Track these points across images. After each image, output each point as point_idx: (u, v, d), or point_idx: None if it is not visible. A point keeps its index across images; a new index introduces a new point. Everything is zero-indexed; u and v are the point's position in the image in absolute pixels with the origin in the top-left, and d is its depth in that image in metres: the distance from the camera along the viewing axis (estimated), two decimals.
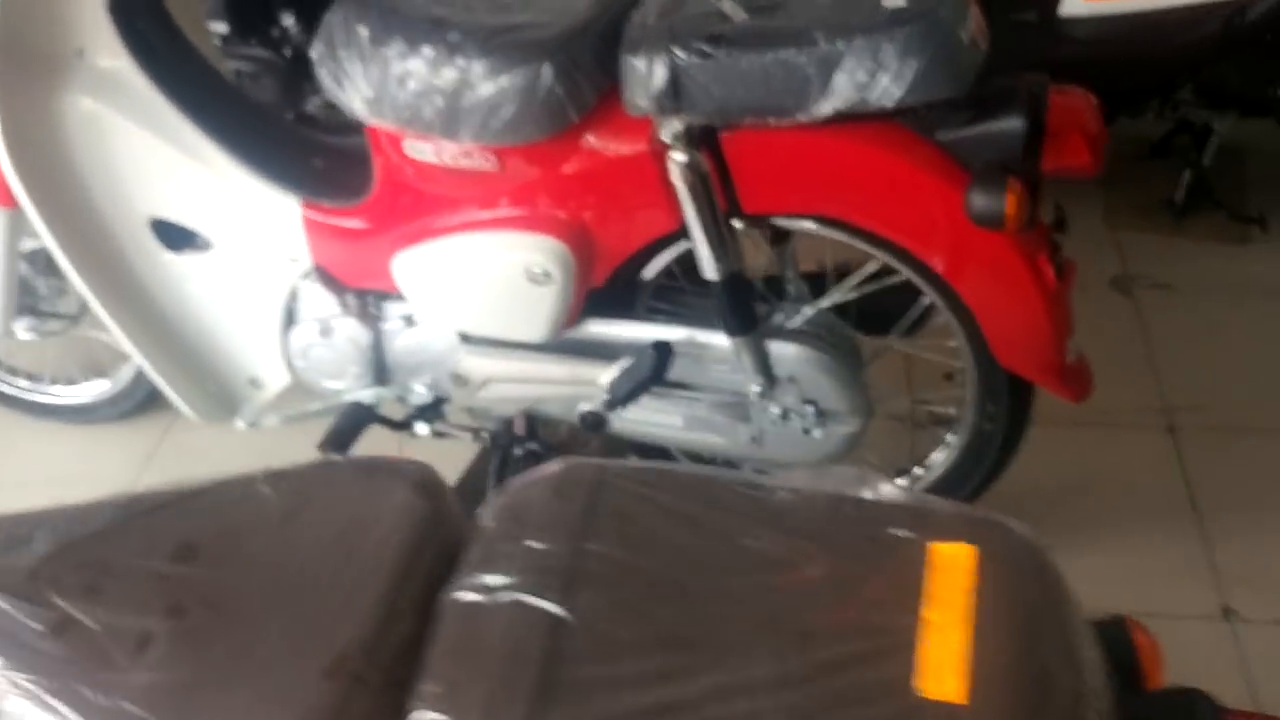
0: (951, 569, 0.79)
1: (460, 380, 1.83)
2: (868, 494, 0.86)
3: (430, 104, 1.55)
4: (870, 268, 1.71)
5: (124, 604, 0.80)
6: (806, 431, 1.74)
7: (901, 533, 0.82)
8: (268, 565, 0.82)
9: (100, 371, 2.35)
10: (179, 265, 1.89)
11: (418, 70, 1.55)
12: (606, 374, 1.73)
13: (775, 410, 1.73)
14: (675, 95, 1.46)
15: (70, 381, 2.37)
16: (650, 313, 1.78)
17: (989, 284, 1.58)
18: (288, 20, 2.40)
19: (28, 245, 2.05)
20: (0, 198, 1.95)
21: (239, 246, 1.85)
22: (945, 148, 1.51)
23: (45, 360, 2.36)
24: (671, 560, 0.79)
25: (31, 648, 0.79)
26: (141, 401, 2.33)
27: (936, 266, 1.58)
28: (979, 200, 1.45)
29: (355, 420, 1.83)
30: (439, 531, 0.84)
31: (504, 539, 0.80)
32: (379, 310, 1.86)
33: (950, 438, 1.82)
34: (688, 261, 1.71)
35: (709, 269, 1.61)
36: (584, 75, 1.51)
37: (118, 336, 1.89)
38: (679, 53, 1.44)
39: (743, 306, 1.65)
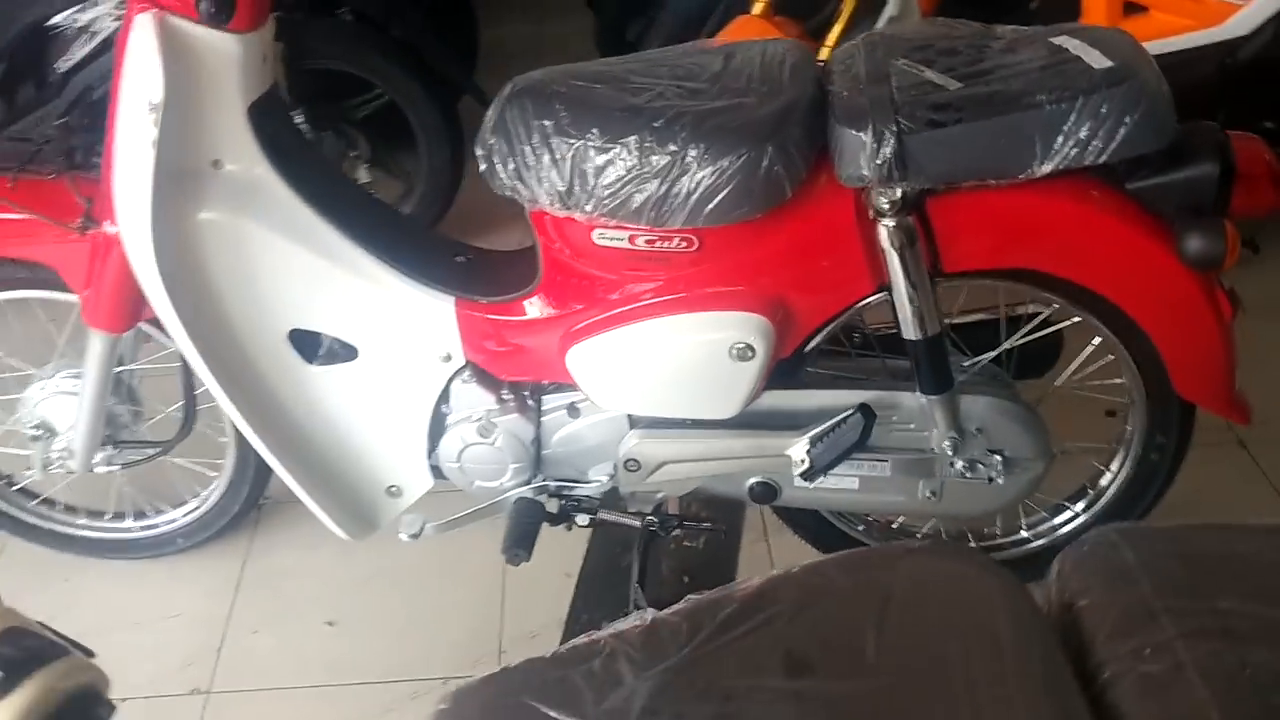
0: None
1: (633, 465, 1.80)
2: None
3: (641, 192, 1.54)
4: (1031, 313, 1.79)
5: None
6: (991, 480, 1.78)
7: None
8: (891, 666, 0.80)
9: (173, 500, 2.21)
10: (321, 377, 1.80)
11: (625, 159, 1.54)
12: (794, 444, 1.74)
13: (961, 464, 1.77)
14: (902, 164, 1.49)
15: (140, 514, 2.22)
16: (815, 379, 1.80)
17: (1177, 321, 1.66)
18: None
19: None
20: (106, 322, 1.84)
21: (387, 351, 1.78)
22: (1135, 196, 1.60)
23: (105, 494, 2.21)
24: None
25: None
26: (220, 529, 2.20)
27: (1128, 308, 1.66)
28: (1197, 243, 1.53)
29: (531, 518, 1.79)
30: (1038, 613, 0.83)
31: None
32: (538, 402, 1.82)
33: (1113, 468, 1.90)
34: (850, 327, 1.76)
35: (910, 329, 1.65)
36: (799, 152, 1.54)
37: (262, 453, 1.79)
38: (906, 123, 1.48)
39: (941, 364, 1.68)
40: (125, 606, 2.15)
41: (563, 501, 1.86)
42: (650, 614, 0.90)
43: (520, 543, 1.75)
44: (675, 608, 0.90)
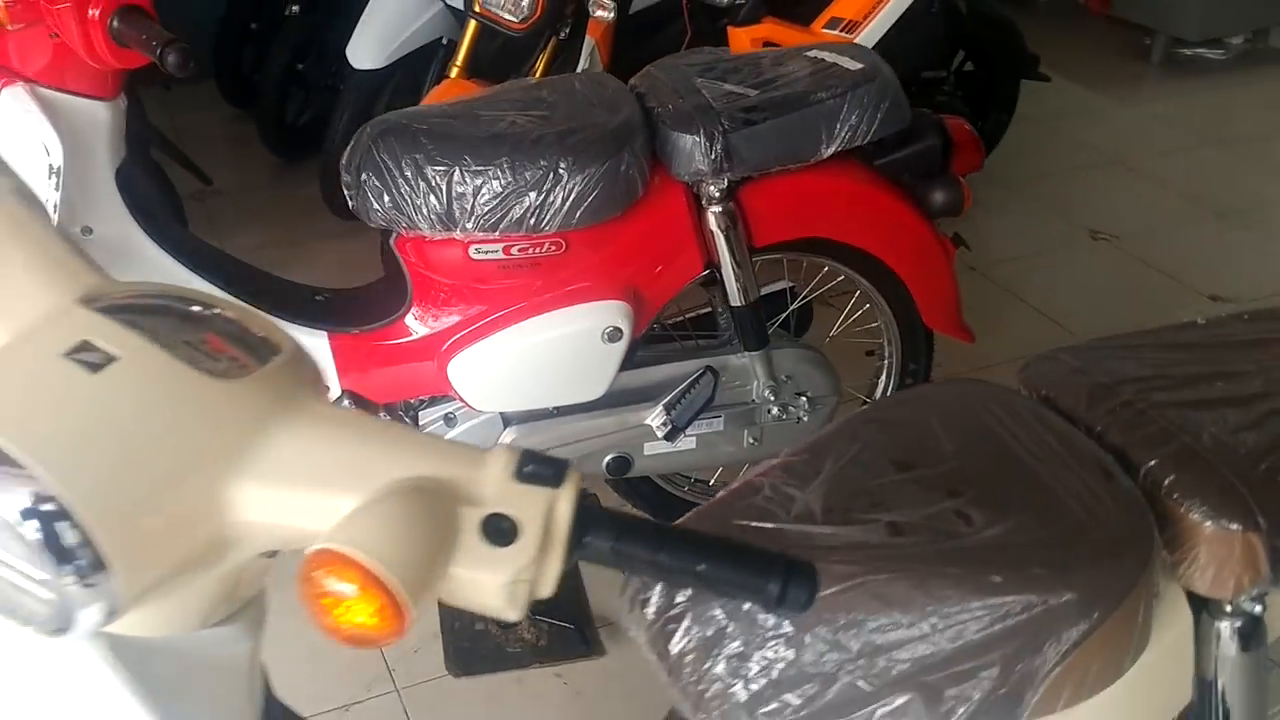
0: None
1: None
2: None
3: (519, 205, 1.78)
4: (777, 286, 2.20)
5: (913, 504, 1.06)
6: (799, 420, 2.16)
7: None
8: (967, 451, 1.11)
9: None
10: None
11: (500, 178, 1.77)
12: (652, 413, 2.02)
13: (777, 409, 2.13)
14: (728, 157, 1.84)
15: None
16: (655, 357, 2.10)
17: (921, 265, 2.12)
18: None
19: None
20: None
21: None
22: (881, 170, 2.04)
23: None
24: None
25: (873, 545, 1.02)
26: None
27: (888, 260, 2.10)
28: (942, 196, 2.00)
29: None
30: None
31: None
32: (415, 418, 1.97)
33: (876, 396, 2.34)
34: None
35: (736, 297, 1.99)
36: (644, 157, 1.84)
37: None
38: (728, 124, 1.83)
39: (760, 325, 2.04)
40: None
41: None
42: (774, 460, 1.15)
43: None
44: (787, 458, 1.16)
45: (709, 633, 1.01)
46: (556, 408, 2.00)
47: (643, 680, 1.11)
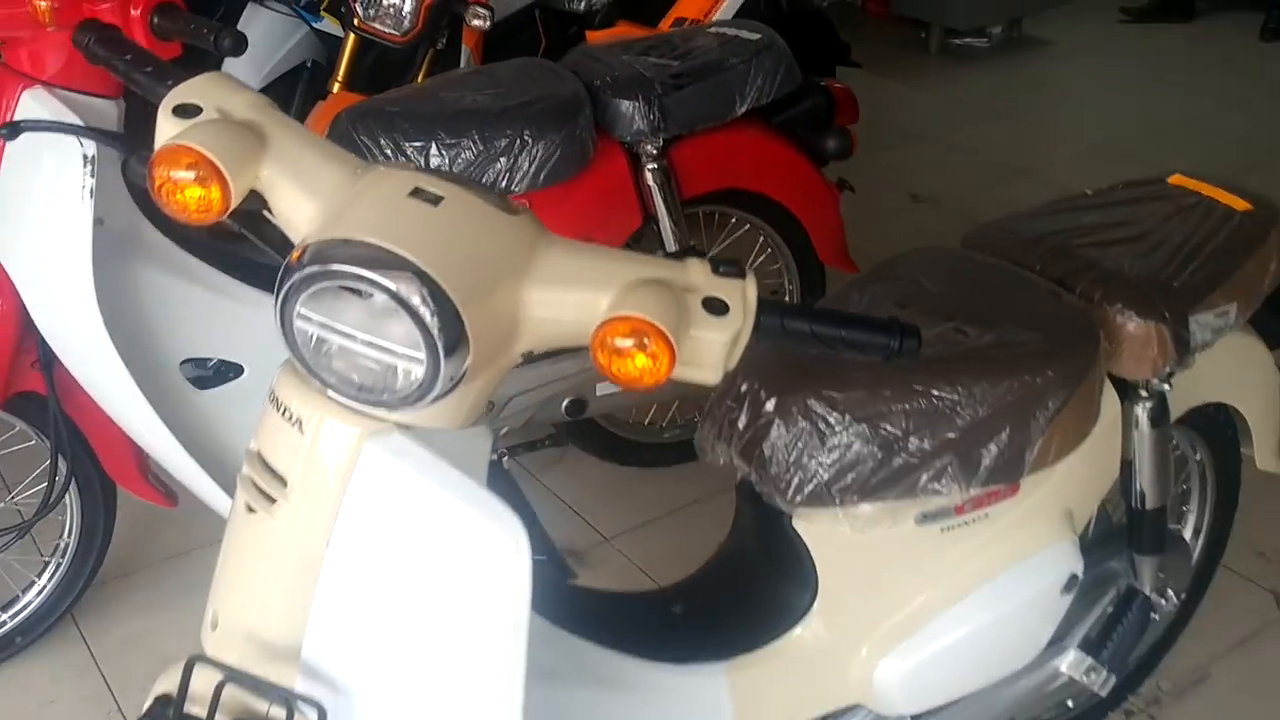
0: None
1: (489, 405, 2.23)
2: None
3: (491, 169, 2.03)
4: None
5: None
6: None
7: None
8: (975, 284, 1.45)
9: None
10: (212, 399, 2.01)
11: (472, 147, 2.02)
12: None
13: None
14: (664, 118, 2.14)
15: None
16: None
17: (815, 207, 2.47)
18: None
19: None
20: None
21: (270, 363, 2.04)
22: (778, 127, 2.39)
23: None
24: None
25: None
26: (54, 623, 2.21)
27: (789, 204, 2.43)
28: (835, 143, 2.36)
29: None
30: None
31: None
32: None
33: None
34: None
35: (671, 244, 2.29)
36: (592, 124, 2.12)
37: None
38: (660, 89, 2.14)
39: None
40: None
41: None
42: None
43: None
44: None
45: (790, 435, 1.30)
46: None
47: None
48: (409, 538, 0.97)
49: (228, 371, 2.04)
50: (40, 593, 2.19)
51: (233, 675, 0.98)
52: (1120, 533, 1.71)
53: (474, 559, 0.96)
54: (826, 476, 1.29)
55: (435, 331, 0.89)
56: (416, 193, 0.94)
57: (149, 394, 1.93)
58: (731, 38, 2.30)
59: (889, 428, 1.29)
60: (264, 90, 3.45)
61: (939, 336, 1.37)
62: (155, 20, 1.67)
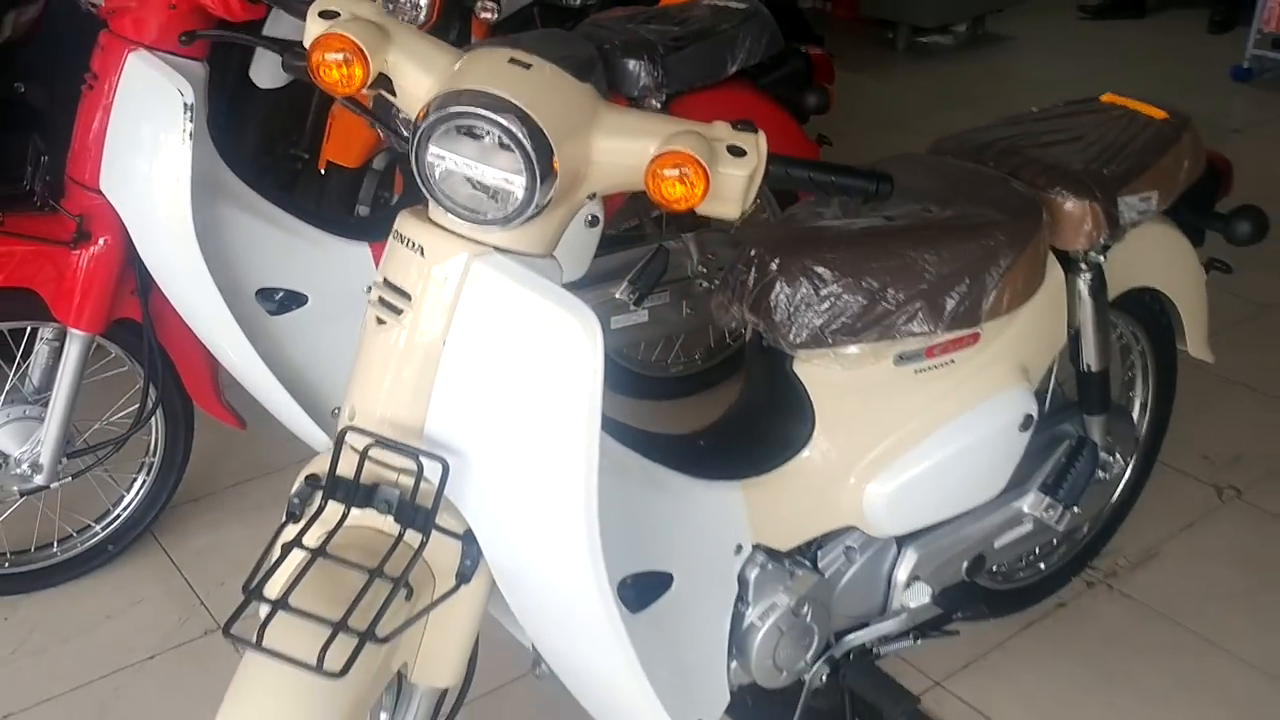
0: None
1: None
2: None
3: None
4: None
5: None
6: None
7: None
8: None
9: (92, 514, 2.46)
10: (281, 324, 2.31)
11: None
12: (620, 286, 2.59)
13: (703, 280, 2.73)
14: (667, 75, 2.46)
15: (64, 538, 2.44)
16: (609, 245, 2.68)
17: (796, 155, 2.78)
18: None
19: None
20: (89, 324, 2.18)
21: (333, 299, 2.34)
22: (764, 88, 2.71)
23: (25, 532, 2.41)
24: None
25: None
26: (139, 535, 2.50)
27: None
28: (814, 100, 2.68)
29: None
30: None
31: None
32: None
33: None
34: None
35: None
36: (606, 78, 2.44)
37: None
38: (663, 50, 2.46)
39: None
40: (84, 611, 2.37)
41: None
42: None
43: None
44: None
45: (790, 290, 1.61)
46: None
47: None
48: (509, 333, 1.27)
49: (292, 302, 2.33)
50: (128, 506, 2.47)
51: (379, 440, 1.27)
52: (1074, 406, 2.03)
53: (558, 345, 1.26)
54: (820, 322, 1.60)
55: (534, 159, 1.19)
56: (513, 61, 1.25)
57: (235, 314, 2.23)
58: (722, 8, 2.62)
59: (871, 281, 1.60)
60: (291, 83, 3.79)
61: (909, 214, 1.69)
62: None
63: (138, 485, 2.47)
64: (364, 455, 1.27)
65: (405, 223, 1.31)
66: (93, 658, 2.25)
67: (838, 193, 1.38)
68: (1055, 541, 2.29)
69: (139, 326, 2.24)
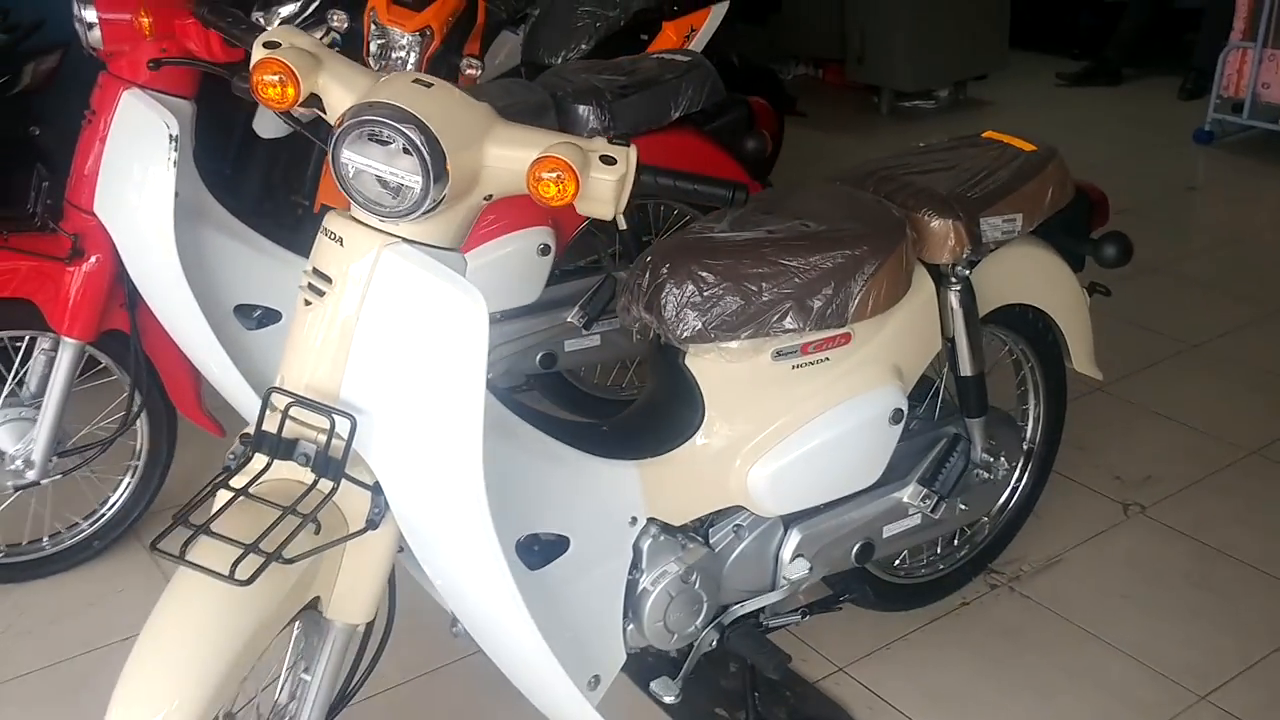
0: None
1: None
2: None
3: None
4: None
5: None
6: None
7: None
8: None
9: (81, 511, 2.70)
10: (256, 339, 2.55)
11: None
12: (571, 311, 2.82)
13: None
14: (612, 120, 2.72)
15: (54, 533, 2.67)
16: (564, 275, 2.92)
17: None
18: None
19: None
20: (81, 332, 2.44)
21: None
22: (708, 134, 2.97)
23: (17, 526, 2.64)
24: None
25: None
26: (124, 532, 2.73)
27: None
28: (752, 144, 2.94)
29: None
30: None
31: None
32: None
33: None
34: None
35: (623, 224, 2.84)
36: (555, 126, 2.70)
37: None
38: (610, 97, 2.72)
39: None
40: (70, 597, 2.60)
41: None
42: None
43: None
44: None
45: (679, 291, 1.83)
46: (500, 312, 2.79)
47: None
48: (411, 309, 1.50)
49: (269, 319, 2.57)
50: (114, 505, 2.71)
51: (299, 399, 1.50)
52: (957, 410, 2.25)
53: (450, 320, 1.49)
54: (703, 319, 1.82)
55: (429, 161, 1.43)
56: (417, 81, 1.50)
57: (214, 328, 2.48)
58: (669, 60, 2.89)
59: (748, 284, 1.83)
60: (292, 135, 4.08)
61: (789, 228, 1.92)
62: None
63: (123, 486, 2.71)
64: (285, 413, 1.50)
65: (331, 219, 1.55)
66: (76, 637, 2.48)
67: (700, 199, 1.61)
68: (955, 541, 2.49)
69: (127, 338, 2.50)
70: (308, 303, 1.55)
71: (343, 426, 1.49)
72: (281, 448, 1.51)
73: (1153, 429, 3.15)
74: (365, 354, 1.52)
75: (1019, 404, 2.49)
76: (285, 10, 3.88)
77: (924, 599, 2.46)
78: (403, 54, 3.69)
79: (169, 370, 2.57)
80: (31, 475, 2.50)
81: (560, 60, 4.03)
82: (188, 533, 1.42)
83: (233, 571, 1.36)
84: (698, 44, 4.00)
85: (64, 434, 2.56)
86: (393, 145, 1.45)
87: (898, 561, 2.41)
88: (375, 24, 3.61)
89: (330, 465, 1.50)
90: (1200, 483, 2.91)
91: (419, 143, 1.43)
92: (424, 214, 1.48)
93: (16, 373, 2.54)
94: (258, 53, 1.57)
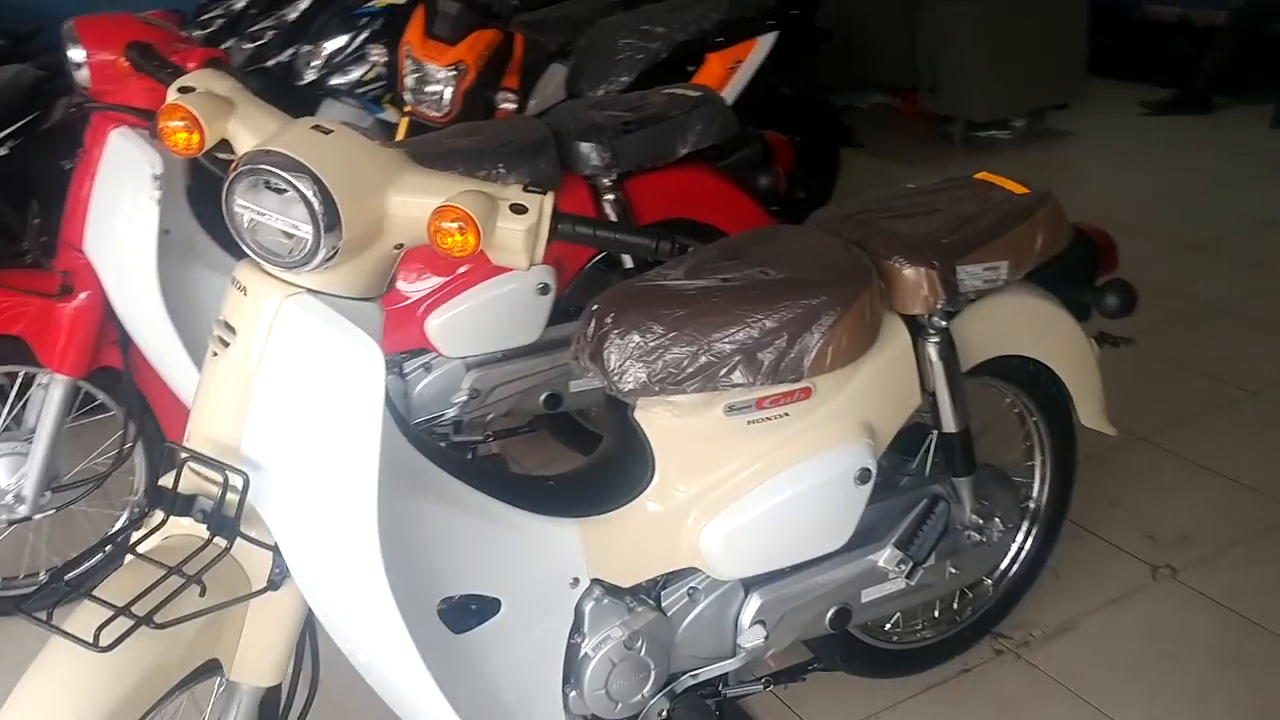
0: None
1: (474, 394, 2.72)
2: None
3: None
4: None
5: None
6: None
7: None
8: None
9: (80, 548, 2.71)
10: None
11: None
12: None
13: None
14: (615, 157, 2.65)
15: (51, 567, 2.68)
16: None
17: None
18: None
19: None
20: (72, 368, 2.45)
21: None
22: (723, 169, 2.88)
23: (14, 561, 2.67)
24: None
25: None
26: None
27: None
28: (766, 180, 2.84)
29: None
30: None
31: None
32: (400, 369, 2.68)
33: None
34: None
35: (628, 264, 2.77)
36: (556, 161, 2.64)
37: None
38: (613, 132, 2.65)
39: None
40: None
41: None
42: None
43: None
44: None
45: (623, 342, 1.75)
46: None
47: None
48: (309, 362, 1.45)
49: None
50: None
51: (192, 455, 1.46)
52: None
53: (346, 374, 1.43)
54: (648, 371, 1.73)
55: (318, 211, 1.38)
56: (316, 128, 1.45)
57: (199, 365, 2.47)
58: (677, 95, 2.82)
59: (696, 335, 1.74)
60: None
61: (745, 276, 1.83)
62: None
63: (121, 521, 2.71)
64: (180, 468, 1.46)
65: (240, 270, 1.51)
66: None
67: (622, 250, 1.53)
68: (956, 604, 2.34)
69: (121, 374, 2.50)
70: (215, 353, 1.51)
71: (237, 482, 1.44)
72: (179, 504, 1.47)
73: (1196, 484, 2.95)
74: (264, 407, 1.47)
75: (1025, 459, 2.34)
76: (330, 46, 3.97)
77: (920, 665, 2.32)
78: (438, 88, 3.70)
79: (162, 403, 2.57)
80: (23, 510, 2.51)
81: (602, 93, 4.00)
82: (66, 592, 1.38)
83: (98, 636, 1.32)
84: (743, 75, 3.95)
85: (58, 469, 2.58)
86: (288, 194, 1.40)
87: (889, 625, 2.28)
88: (410, 58, 3.63)
89: (225, 523, 1.45)
90: (1241, 545, 2.71)
91: (307, 193, 1.38)
92: (322, 264, 1.42)
93: (12, 408, 2.56)
94: (171, 96, 1.54)
